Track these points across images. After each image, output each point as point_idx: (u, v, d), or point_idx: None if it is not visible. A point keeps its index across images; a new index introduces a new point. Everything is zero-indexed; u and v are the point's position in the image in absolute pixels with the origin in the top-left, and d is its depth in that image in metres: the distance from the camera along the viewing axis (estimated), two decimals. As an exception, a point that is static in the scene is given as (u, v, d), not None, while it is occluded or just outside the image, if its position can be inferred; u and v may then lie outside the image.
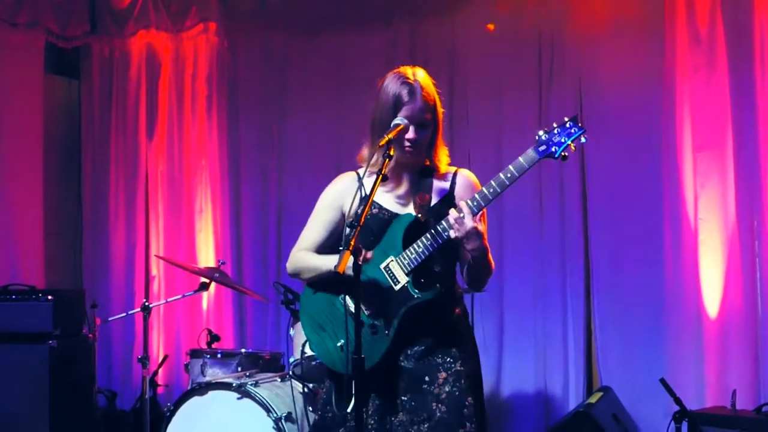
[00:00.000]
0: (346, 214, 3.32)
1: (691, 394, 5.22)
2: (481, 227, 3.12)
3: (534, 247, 6.00)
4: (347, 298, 3.27)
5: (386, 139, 3.15)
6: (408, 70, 3.30)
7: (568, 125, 3.09)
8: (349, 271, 2.95)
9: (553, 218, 5.96)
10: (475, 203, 3.10)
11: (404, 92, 3.22)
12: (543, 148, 3.08)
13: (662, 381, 4.81)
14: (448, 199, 3.30)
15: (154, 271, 6.95)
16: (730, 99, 5.44)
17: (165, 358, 6.32)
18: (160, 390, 6.32)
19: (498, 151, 6.01)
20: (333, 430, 3.30)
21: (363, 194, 3.30)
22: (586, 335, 5.90)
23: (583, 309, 5.89)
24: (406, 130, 3.21)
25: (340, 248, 3.24)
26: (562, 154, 3.07)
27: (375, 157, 3.24)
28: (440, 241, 3.13)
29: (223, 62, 6.91)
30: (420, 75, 3.29)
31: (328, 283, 3.30)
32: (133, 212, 7.01)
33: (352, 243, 2.93)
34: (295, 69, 6.73)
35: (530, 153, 3.08)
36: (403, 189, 3.33)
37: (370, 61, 6.29)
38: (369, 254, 3.18)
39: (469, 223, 3.06)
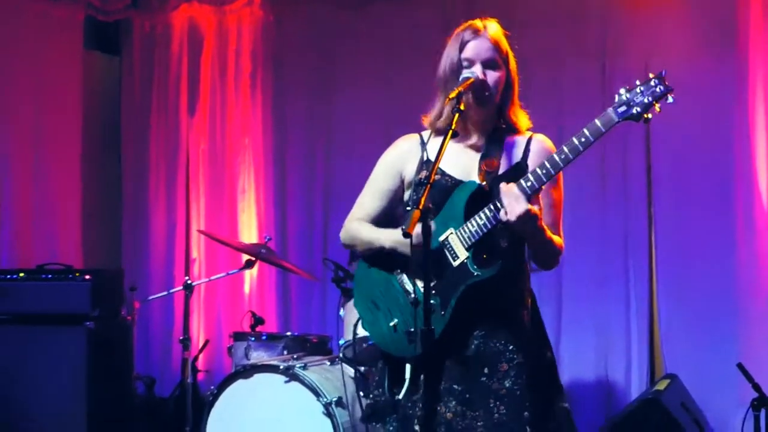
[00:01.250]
0: (406, 181, 3.08)
1: (765, 382, 4.87)
2: (537, 208, 2.81)
3: (594, 229, 5.69)
4: (404, 275, 2.98)
5: (456, 91, 2.89)
6: (477, 20, 3.05)
7: (653, 83, 2.73)
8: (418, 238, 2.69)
9: (615, 197, 5.67)
10: (528, 184, 2.79)
11: (468, 32, 3.00)
12: (623, 108, 2.74)
13: (740, 366, 4.52)
14: (519, 168, 2.96)
15: (194, 254, 6.72)
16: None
17: (206, 342, 6.08)
18: (200, 376, 6.08)
19: (560, 126, 5.70)
20: (384, 415, 3.05)
21: (426, 158, 3.03)
22: (649, 320, 5.60)
23: (647, 292, 5.60)
24: (477, 83, 2.92)
25: (407, 208, 2.99)
26: (645, 115, 2.73)
27: (444, 114, 2.97)
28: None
29: (268, 37, 6.65)
30: (491, 24, 3.04)
31: (385, 258, 3.02)
32: (173, 192, 6.79)
33: (422, 202, 2.66)
34: (343, 42, 6.46)
35: (609, 114, 2.74)
36: (470, 154, 3.02)
37: (422, 33, 5.99)
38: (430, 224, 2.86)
39: (519, 207, 2.75)
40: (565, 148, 2.78)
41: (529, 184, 2.79)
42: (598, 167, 5.67)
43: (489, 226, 2.84)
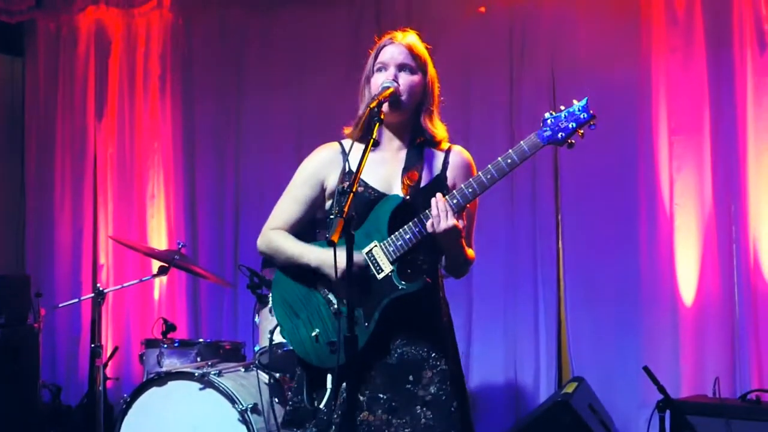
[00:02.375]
0: (328, 191, 3.09)
1: (668, 384, 5.02)
2: (462, 224, 2.89)
3: (504, 232, 5.78)
4: (325, 286, 3.00)
5: (376, 101, 2.92)
6: (397, 32, 3.10)
7: (577, 110, 2.84)
8: (341, 248, 2.68)
9: (524, 201, 5.75)
10: (455, 201, 2.86)
11: (386, 39, 3.07)
12: (548, 133, 2.84)
13: (646, 369, 4.64)
14: (439, 181, 3.03)
15: (102, 260, 6.60)
16: (707, 81, 5.35)
17: (115, 349, 5.98)
18: (109, 384, 6.00)
19: (465, 135, 5.78)
20: (303, 422, 3.05)
21: (348, 168, 3.04)
22: (557, 324, 5.71)
23: (555, 297, 5.69)
24: (396, 92, 2.96)
25: (331, 216, 3.02)
26: (569, 141, 2.84)
27: (362, 124, 3.01)
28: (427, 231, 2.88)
29: (178, 40, 6.57)
30: (408, 34, 3.10)
31: (307, 270, 3.00)
32: (80, 197, 6.66)
33: (346, 210, 2.66)
34: (253, 47, 6.43)
35: (533, 139, 2.84)
36: (391, 165, 3.04)
37: (332, 39, 6.05)
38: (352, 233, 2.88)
39: (447, 222, 2.82)
40: (492, 169, 2.84)
41: (455, 201, 2.85)
42: (507, 178, 5.73)
43: (414, 240, 2.88)
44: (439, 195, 2.86)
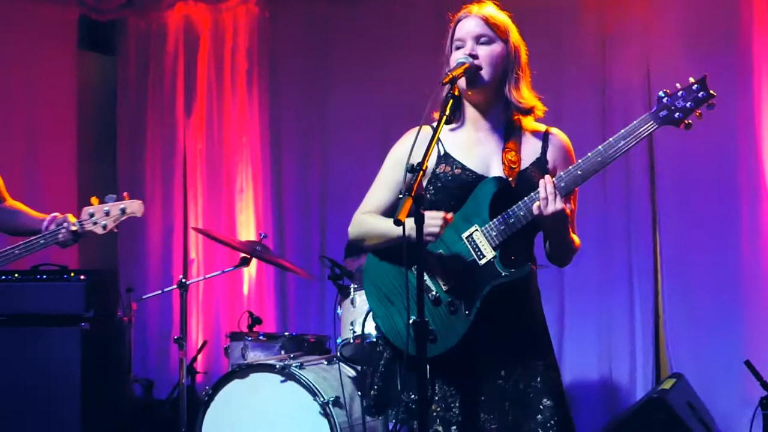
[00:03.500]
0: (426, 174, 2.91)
1: (774, 380, 4.80)
2: (570, 208, 2.72)
3: (597, 223, 5.59)
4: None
5: (449, 77, 2.76)
6: (472, 5, 2.94)
7: (694, 87, 2.66)
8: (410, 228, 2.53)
9: (618, 192, 5.56)
10: (563, 184, 2.69)
11: (462, 14, 2.91)
12: (664, 113, 2.66)
13: (747, 363, 4.41)
14: (539, 164, 2.86)
15: (192, 255, 6.64)
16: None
17: (204, 343, 6.00)
18: (199, 378, 6.04)
19: (557, 123, 5.59)
20: (387, 409, 2.93)
21: (444, 152, 2.89)
22: (654, 318, 5.48)
23: (651, 289, 5.48)
24: (471, 67, 2.81)
25: (400, 195, 2.88)
26: (686, 121, 2.65)
27: (442, 105, 2.85)
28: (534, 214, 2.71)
29: (264, 34, 6.57)
30: (486, 5, 2.92)
31: (398, 251, 2.78)
32: (170, 192, 6.71)
33: (414, 188, 2.51)
34: (337, 39, 6.38)
35: (647, 118, 2.66)
36: (487, 145, 2.88)
37: (418, 25, 5.91)
38: (450, 215, 2.73)
39: (555, 206, 2.65)
40: (603, 150, 2.69)
41: (563, 184, 2.70)
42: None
43: (519, 224, 2.73)
44: (547, 177, 2.70)
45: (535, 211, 2.68)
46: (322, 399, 4.32)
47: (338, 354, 4.49)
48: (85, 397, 5.14)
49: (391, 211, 2.95)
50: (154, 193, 6.74)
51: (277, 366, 4.45)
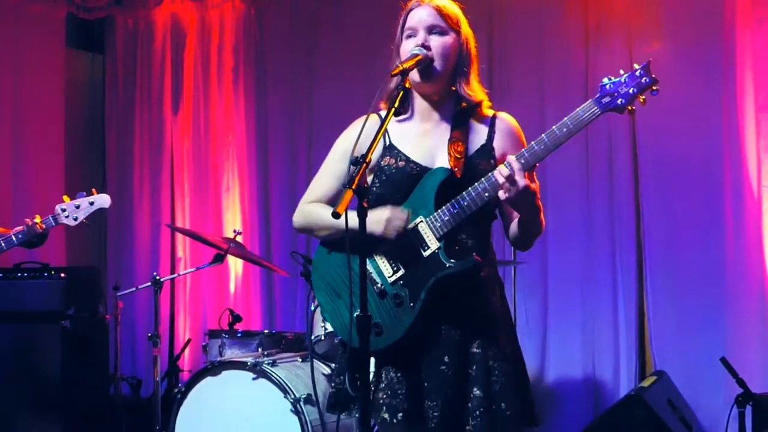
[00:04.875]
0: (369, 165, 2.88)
1: (756, 378, 4.73)
2: (534, 185, 2.66)
3: (581, 219, 5.54)
4: (368, 263, 2.80)
5: (399, 68, 2.74)
6: None
7: (638, 74, 2.60)
8: (353, 220, 2.50)
9: (601, 186, 5.50)
10: (523, 160, 2.63)
11: (413, 2, 2.88)
12: (607, 99, 2.61)
13: (723, 360, 4.35)
14: (485, 149, 2.83)
15: (180, 253, 6.62)
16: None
17: (188, 341, 5.99)
18: (184, 375, 6.01)
19: (541, 115, 5.56)
20: (347, 405, 2.88)
21: (389, 143, 2.88)
22: (638, 315, 5.43)
23: (635, 286, 5.42)
24: (425, 59, 2.77)
25: (342, 187, 2.84)
26: (629, 107, 2.61)
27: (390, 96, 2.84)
28: (481, 202, 2.68)
29: (250, 31, 6.56)
30: None
31: (344, 244, 2.74)
32: (158, 191, 6.70)
33: (356, 180, 2.49)
34: (324, 35, 6.35)
35: (590, 105, 2.62)
36: (434, 137, 2.85)
37: (402, 24, 5.87)
38: (404, 214, 2.73)
39: (521, 181, 2.60)
40: (545, 138, 2.64)
41: (523, 160, 2.63)
42: (582, 160, 5.52)
43: (466, 213, 2.70)
44: (510, 156, 2.65)
45: (502, 196, 2.63)
46: (293, 396, 4.30)
47: (311, 351, 4.46)
48: (66, 394, 5.20)
49: (334, 201, 2.92)
50: (142, 191, 6.73)
51: (249, 363, 4.43)
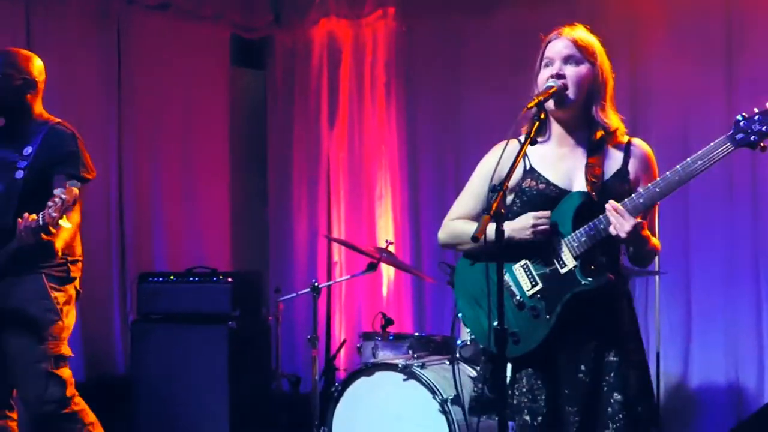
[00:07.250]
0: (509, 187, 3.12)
1: None
2: (642, 223, 2.88)
3: (723, 225, 5.61)
4: (509, 276, 3.08)
5: (535, 101, 2.98)
6: (564, 27, 3.13)
7: None
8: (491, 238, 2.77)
9: (744, 192, 5.54)
10: (641, 200, 2.86)
11: (552, 34, 3.10)
12: (741, 136, 2.74)
13: None
14: (620, 175, 3.04)
15: (336, 258, 6.99)
16: None
17: (343, 342, 6.33)
18: (340, 374, 6.34)
19: (684, 133, 5.64)
20: (487, 409, 3.16)
21: (529, 167, 3.12)
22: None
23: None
24: (558, 90, 3.00)
25: (482, 212, 3.09)
26: (761, 144, 2.73)
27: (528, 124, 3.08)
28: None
29: (401, 47, 6.85)
30: (577, 29, 3.11)
31: (487, 254, 3.03)
32: (315, 200, 7.10)
33: (494, 207, 2.75)
34: (472, 50, 6.57)
35: (723, 141, 2.76)
36: (571, 161, 3.07)
37: (546, 39, 6.05)
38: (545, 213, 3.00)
39: (626, 227, 2.84)
40: (680, 170, 2.81)
41: (641, 200, 2.87)
42: (725, 164, 5.53)
43: (601, 236, 2.92)
44: (611, 202, 2.88)
45: (612, 233, 2.87)
46: (441, 397, 4.56)
47: (457, 355, 4.73)
48: (232, 391, 5.59)
49: (476, 220, 3.16)
50: (301, 200, 7.14)
51: (400, 365, 4.72)
